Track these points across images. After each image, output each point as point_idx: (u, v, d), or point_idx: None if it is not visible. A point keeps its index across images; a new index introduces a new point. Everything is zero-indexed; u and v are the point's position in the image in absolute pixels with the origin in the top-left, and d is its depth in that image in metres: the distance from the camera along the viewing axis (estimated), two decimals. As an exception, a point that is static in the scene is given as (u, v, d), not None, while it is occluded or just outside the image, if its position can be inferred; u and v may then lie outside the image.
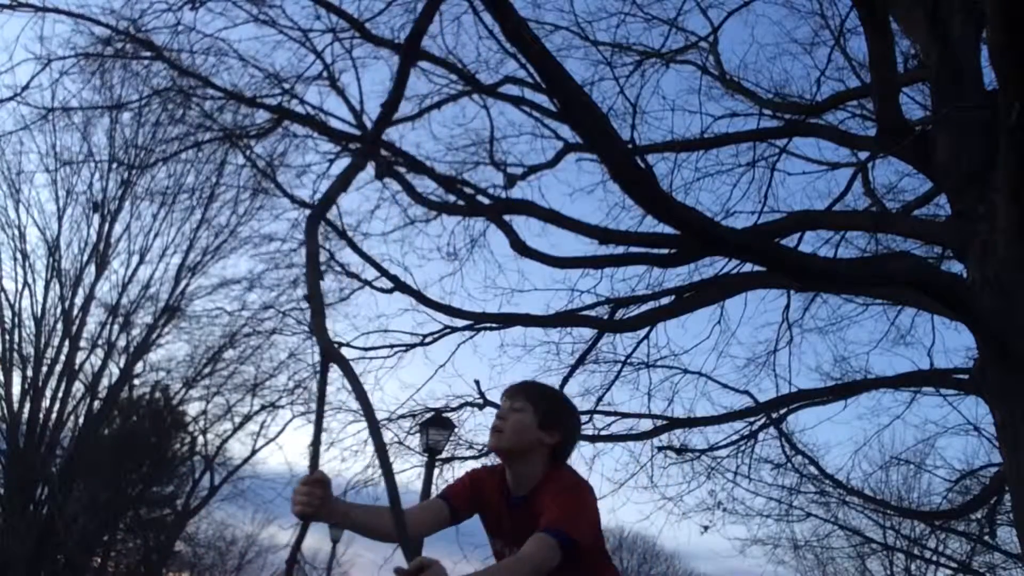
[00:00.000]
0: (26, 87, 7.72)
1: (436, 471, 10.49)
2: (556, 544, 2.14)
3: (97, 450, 19.73)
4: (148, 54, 7.83)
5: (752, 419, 8.74)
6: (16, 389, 19.23)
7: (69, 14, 7.60)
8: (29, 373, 19.36)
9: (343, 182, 2.35)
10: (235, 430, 22.48)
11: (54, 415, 19.43)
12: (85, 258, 20.00)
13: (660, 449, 8.97)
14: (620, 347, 8.71)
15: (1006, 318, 4.89)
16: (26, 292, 19.74)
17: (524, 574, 2.14)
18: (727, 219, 8.44)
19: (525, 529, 2.23)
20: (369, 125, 7.91)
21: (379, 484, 9.71)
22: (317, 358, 2.05)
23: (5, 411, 19.08)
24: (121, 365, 20.56)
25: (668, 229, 5.97)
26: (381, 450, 1.91)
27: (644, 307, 7.98)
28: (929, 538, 13.02)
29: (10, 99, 7.80)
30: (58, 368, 19.55)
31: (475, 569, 2.09)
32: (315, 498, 2.03)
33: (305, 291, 2.12)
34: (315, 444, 2.02)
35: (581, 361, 8.51)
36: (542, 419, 2.42)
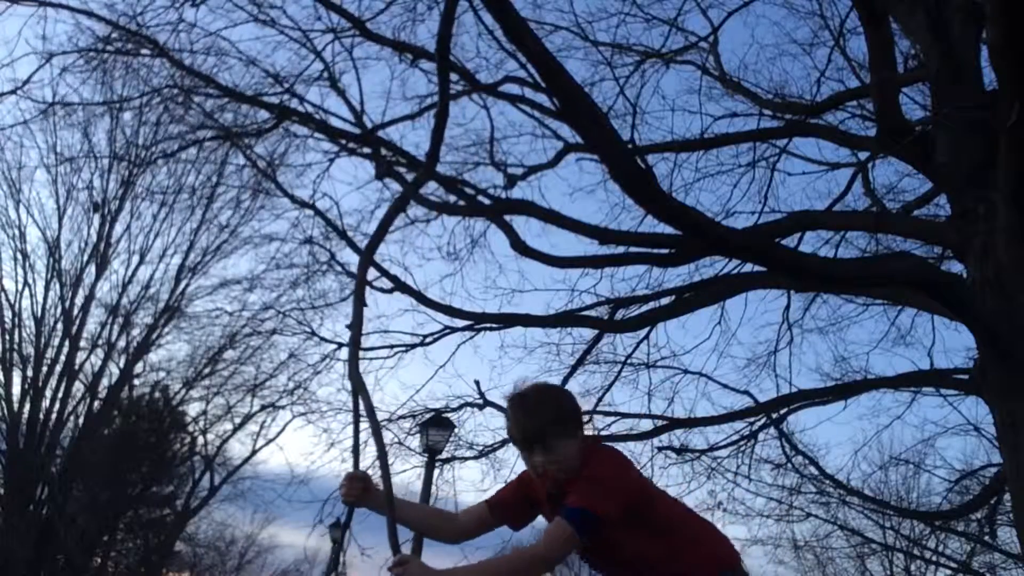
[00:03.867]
0: (27, 81, 7.73)
1: (436, 471, 10.49)
2: (566, 524, 2.15)
3: (97, 450, 19.73)
4: (149, 51, 7.83)
5: (752, 419, 8.74)
6: (16, 389, 19.28)
7: (71, 9, 7.60)
8: (29, 373, 19.38)
9: (395, 210, 2.56)
10: (235, 430, 22.52)
11: (54, 415, 19.44)
12: (85, 258, 20.03)
13: (660, 449, 8.97)
14: (620, 347, 8.72)
15: (1006, 318, 4.89)
16: (26, 292, 19.79)
17: (526, 560, 2.19)
18: (727, 219, 8.45)
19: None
20: (369, 124, 7.92)
21: (379, 484, 9.70)
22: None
23: (5, 411, 19.09)
24: (121, 365, 20.58)
25: (668, 229, 5.97)
26: (385, 475, 2.43)
27: (644, 307, 7.98)
28: (929, 538, 13.03)
29: (11, 93, 7.80)
30: (58, 368, 19.56)
31: None
32: (355, 489, 2.51)
33: (348, 323, 2.58)
34: (355, 451, 2.62)
35: (581, 361, 8.51)
36: (570, 432, 2.37)
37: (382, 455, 2.48)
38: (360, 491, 2.52)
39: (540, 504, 2.47)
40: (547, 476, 2.37)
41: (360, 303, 2.62)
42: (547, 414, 2.38)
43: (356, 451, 2.63)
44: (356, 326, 2.70)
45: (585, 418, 2.53)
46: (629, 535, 2.26)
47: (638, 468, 2.50)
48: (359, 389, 2.57)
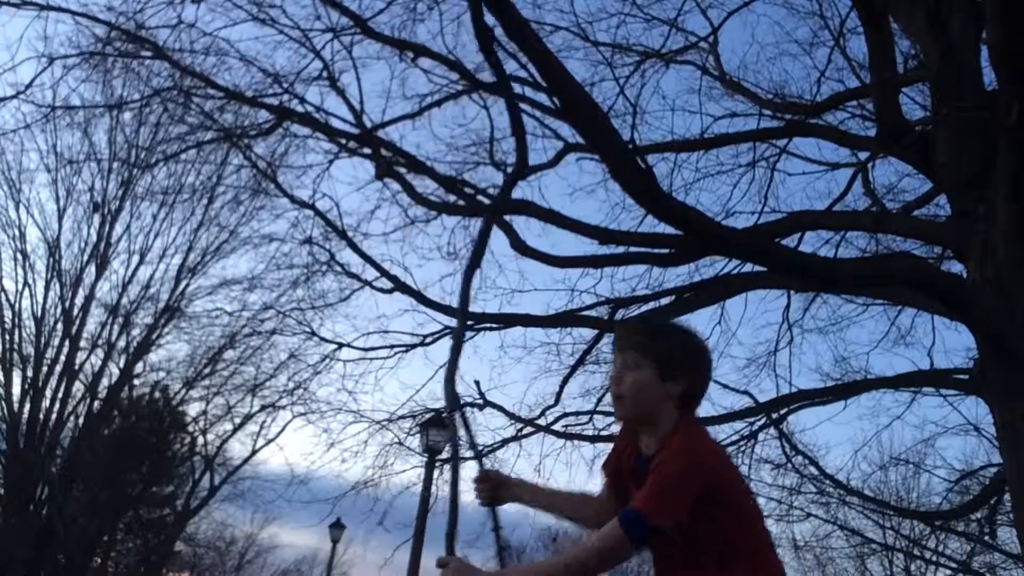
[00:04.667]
0: (29, 86, 7.74)
1: (436, 471, 10.49)
2: (621, 536, 1.91)
3: (97, 450, 19.73)
4: (149, 53, 7.84)
5: (752, 419, 8.74)
6: (16, 389, 19.26)
7: (71, 12, 7.62)
8: (29, 373, 19.37)
9: (481, 244, 2.62)
10: (235, 430, 22.49)
11: (54, 415, 19.43)
12: (85, 258, 20.02)
13: (660, 449, 8.95)
14: (620, 347, 8.69)
15: (1006, 318, 4.89)
16: (26, 292, 19.77)
17: (578, 563, 1.95)
18: (727, 219, 8.44)
19: None
20: (369, 124, 7.92)
21: (379, 484, 9.71)
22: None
23: (5, 411, 19.09)
24: (121, 365, 20.57)
25: (668, 229, 5.97)
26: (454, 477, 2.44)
27: (644, 307, 7.97)
28: (929, 538, 13.02)
29: (13, 97, 7.82)
30: (58, 368, 19.55)
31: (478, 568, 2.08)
32: (485, 491, 2.39)
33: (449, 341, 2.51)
34: (454, 453, 2.53)
35: (581, 361, 8.51)
36: (662, 370, 2.10)
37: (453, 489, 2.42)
38: (491, 490, 2.39)
39: (624, 477, 2.22)
40: (616, 398, 2.14)
41: (463, 323, 2.61)
42: (682, 347, 2.15)
43: (455, 455, 2.53)
44: (458, 347, 2.75)
45: (705, 392, 2.26)
46: (686, 535, 2.01)
47: (730, 463, 2.18)
48: (452, 404, 2.61)
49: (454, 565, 2.00)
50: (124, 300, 20.36)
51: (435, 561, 2.05)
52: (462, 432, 2.55)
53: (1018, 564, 10.00)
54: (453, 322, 8.39)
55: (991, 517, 9.26)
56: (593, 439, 8.73)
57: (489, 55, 3.55)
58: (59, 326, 19.70)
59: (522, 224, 7.48)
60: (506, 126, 11.91)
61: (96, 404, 20.29)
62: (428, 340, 8.73)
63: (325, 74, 7.96)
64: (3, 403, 19.07)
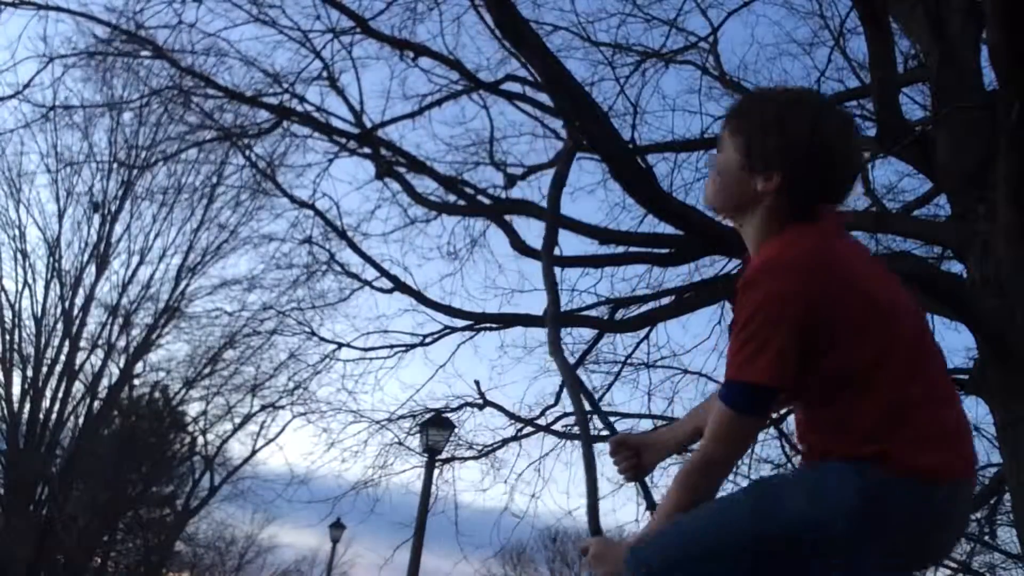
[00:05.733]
0: (27, 85, 7.74)
1: (436, 471, 10.49)
2: (725, 409, 1.54)
3: (97, 450, 19.72)
4: (148, 52, 7.84)
5: (752, 419, 8.72)
6: (16, 389, 19.27)
7: (71, 12, 7.62)
8: (29, 373, 19.38)
9: (553, 305, 2.53)
10: (235, 430, 22.50)
11: (54, 415, 19.44)
12: (85, 258, 20.03)
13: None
14: (620, 347, 8.70)
15: (1006, 318, 4.89)
16: (26, 292, 19.79)
17: (697, 470, 1.60)
18: (727, 219, 8.41)
19: None
20: (369, 124, 7.92)
21: (379, 484, 9.71)
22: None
23: (5, 411, 19.09)
24: (121, 365, 20.58)
25: (668, 229, 5.97)
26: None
27: (644, 307, 7.97)
28: None
29: (11, 97, 7.83)
30: (58, 368, 19.56)
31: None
32: (627, 459, 1.99)
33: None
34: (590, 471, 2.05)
35: (581, 361, 8.49)
36: (748, 156, 1.61)
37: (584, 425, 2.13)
38: (633, 458, 1.98)
39: None
40: (708, 193, 1.73)
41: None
42: (780, 126, 1.58)
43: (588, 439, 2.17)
44: (553, 301, 2.46)
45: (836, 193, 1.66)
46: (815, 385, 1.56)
47: (859, 266, 1.59)
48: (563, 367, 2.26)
49: (593, 550, 1.73)
50: (124, 300, 20.40)
51: (578, 549, 1.82)
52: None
53: (1018, 564, 10.00)
54: (453, 322, 8.40)
55: (991, 517, 9.25)
56: (593, 439, 8.72)
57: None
58: (59, 326, 19.73)
59: (522, 224, 7.49)
60: (506, 126, 11.92)
61: (96, 404, 20.30)
62: (428, 340, 8.73)
63: (325, 74, 7.96)
64: (3, 403, 19.08)
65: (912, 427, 1.50)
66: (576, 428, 8.94)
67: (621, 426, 9.02)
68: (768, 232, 1.62)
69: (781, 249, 1.54)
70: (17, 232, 19.77)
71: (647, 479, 2.04)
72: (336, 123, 8.01)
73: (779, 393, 1.54)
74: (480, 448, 9.33)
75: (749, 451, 9.06)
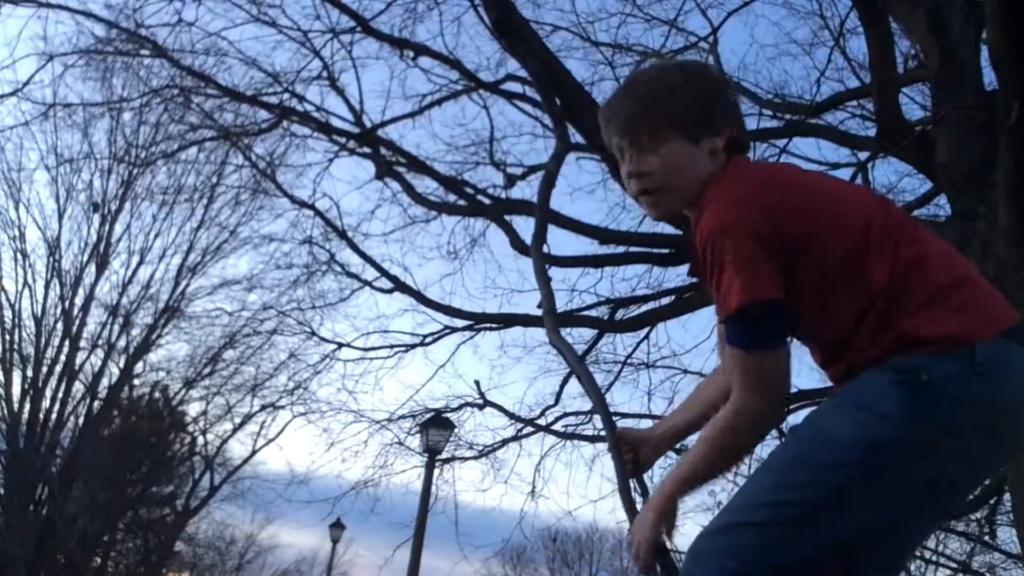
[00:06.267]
0: (27, 83, 7.75)
1: (436, 472, 10.50)
2: (737, 351, 1.47)
3: (97, 450, 19.72)
4: (148, 51, 7.84)
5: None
6: (16, 389, 19.25)
7: (71, 10, 7.62)
8: (29, 373, 19.37)
9: (547, 299, 2.45)
10: (235, 430, 22.48)
11: (54, 415, 19.42)
12: (85, 258, 20.01)
13: (660, 449, 8.94)
14: (620, 347, 8.71)
15: (1006, 318, 4.88)
16: (26, 292, 19.76)
17: (729, 426, 1.51)
18: (727, 219, 8.40)
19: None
20: (368, 124, 7.93)
21: (379, 484, 9.71)
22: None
23: (5, 411, 19.08)
24: (121, 365, 20.57)
25: (668, 229, 5.97)
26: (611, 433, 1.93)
27: (644, 307, 7.97)
28: (928, 538, 13.02)
29: (11, 95, 7.83)
30: (58, 368, 19.55)
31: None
32: (625, 454, 1.88)
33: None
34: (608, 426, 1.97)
35: (581, 361, 8.50)
36: (685, 131, 1.55)
37: (604, 412, 2.01)
38: (630, 453, 1.88)
39: None
40: (644, 194, 1.61)
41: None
42: (654, 97, 1.56)
43: (610, 426, 1.95)
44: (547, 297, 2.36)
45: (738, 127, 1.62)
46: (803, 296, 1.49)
47: (811, 182, 1.55)
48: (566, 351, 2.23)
49: (639, 535, 1.58)
50: (124, 300, 20.37)
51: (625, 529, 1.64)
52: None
53: (1018, 564, 10.00)
54: (453, 322, 8.40)
55: (991, 517, 9.26)
56: (593, 439, 8.73)
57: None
58: (59, 326, 19.71)
59: (522, 224, 7.49)
60: (506, 126, 11.94)
61: (96, 404, 20.29)
62: (428, 340, 8.74)
63: (325, 74, 7.97)
64: (3, 403, 19.07)
65: (914, 296, 1.43)
66: (578, 427, 8.93)
67: (622, 426, 9.05)
68: (705, 177, 1.57)
69: (725, 186, 1.51)
70: (17, 232, 19.77)
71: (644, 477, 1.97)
72: (336, 123, 8.02)
73: (782, 307, 1.45)
74: (480, 448, 9.35)
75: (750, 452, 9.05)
